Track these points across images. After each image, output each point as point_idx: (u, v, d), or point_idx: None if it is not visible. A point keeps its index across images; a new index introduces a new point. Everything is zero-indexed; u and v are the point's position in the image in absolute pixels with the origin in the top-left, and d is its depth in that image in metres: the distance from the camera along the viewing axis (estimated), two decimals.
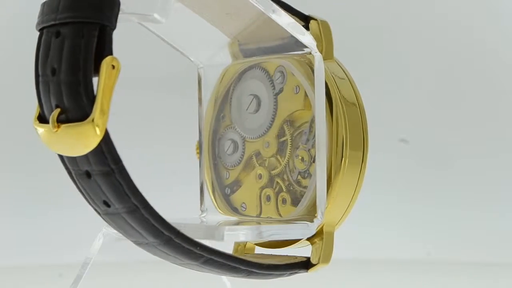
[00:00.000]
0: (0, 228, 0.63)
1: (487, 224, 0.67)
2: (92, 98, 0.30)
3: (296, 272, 0.39)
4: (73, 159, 0.32)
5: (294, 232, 0.38)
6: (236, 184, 0.43)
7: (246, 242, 0.43)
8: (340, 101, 0.39)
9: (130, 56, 0.65)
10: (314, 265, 0.39)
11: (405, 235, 0.67)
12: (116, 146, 0.31)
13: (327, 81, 0.39)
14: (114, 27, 0.32)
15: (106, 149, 0.31)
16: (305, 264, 0.39)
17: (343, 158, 0.38)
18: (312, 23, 0.40)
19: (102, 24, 0.31)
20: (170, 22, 0.39)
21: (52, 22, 0.32)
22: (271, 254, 0.41)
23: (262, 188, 0.42)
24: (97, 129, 0.30)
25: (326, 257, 0.39)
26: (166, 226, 0.33)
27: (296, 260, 0.39)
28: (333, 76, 0.39)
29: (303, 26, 0.40)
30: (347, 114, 0.39)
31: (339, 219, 0.40)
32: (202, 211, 0.44)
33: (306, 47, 0.39)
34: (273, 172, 0.41)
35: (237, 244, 0.43)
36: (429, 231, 0.67)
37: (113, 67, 0.31)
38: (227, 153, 0.43)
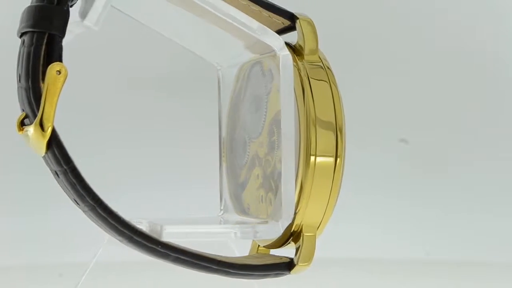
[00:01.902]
0: (0, 228, 0.63)
1: (487, 224, 0.67)
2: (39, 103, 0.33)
3: (279, 273, 0.39)
4: (45, 159, 0.34)
5: (264, 233, 0.39)
6: (244, 184, 0.43)
7: (258, 245, 0.43)
8: (313, 99, 0.38)
9: (137, 57, 0.65)
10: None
11: (404, 235, 0.67)
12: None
13: (302, 82, 0.38)
14: (62, 36, 0.34)
15: (57, 150, 0.33)
16: (289, 265, 0.39)
17: (311, 157, 0.38)
18: (297, 22, 0.40)
19: (50, 33, 0.34)
20: (185, 27, 0.39)
21: (20, 32, 0.35)
22: (264, 255, 0.42)
23: (258, 188, 0.42)
24: (42, 131, 0.33)
25: (305, 258, 0.39)
26: (123, 224, 0.35)
27: (280, 261, 0.39)
28: (309, 76, 0.39)
29: (289, 25, 0.40)
30: (318, 113, 0.38)
31: (320, 220, 0.39)
32: (221, 210, 0.45)
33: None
34: (267, 172, 0.41)
35: (253, 246, 0.44)
36: (429, 231, 0.67)
37: (59, 72, 0.33)
38: (239, 153, 0.43)
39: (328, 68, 0.40)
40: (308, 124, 0.38)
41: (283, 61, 0.38)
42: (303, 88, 0.39)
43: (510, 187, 0.68)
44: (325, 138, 0.38)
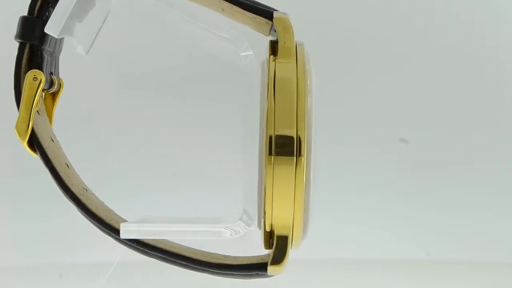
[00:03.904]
0: (0, 228, 0.63)
1: (487, 224, 0.67)
2: None
3: (259, 273, 0.39)
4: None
5: (236, 232, 0.39)
6: None
7: None
8: (275, 99, 0.38)
9: (144, 57, 0.66)
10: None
11: (405, 235, 0.67)
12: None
13: (268, 82, 0.38)
14: (41, 45, 0.38)
15: (38, 151, 0.37)
16: (266, 266, 0.39)
17: (270, 157, 0.38)
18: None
19: (31, 43, 0.38)
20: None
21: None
22: (259, 256, 0.41)
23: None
24: (19, 134, 0.37)
25: (276, 259, 0.38)
26: (100, 222, 0.37)
27: (261, 261, 0.39)
28: (275, 74, 0.38)
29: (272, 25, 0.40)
30: (278, 115, 0.38)
31: (291, 221, 0.38)
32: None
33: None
34: None
35: None
36: (429, 231, 0.67)
37: (35, 79, 0.37)
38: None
39: (303, 64, 0.39)
40: (269, 124, 0.38)
41: (244, 62, 0.38)
42: (268, 88, 0.38)
43: (510, 187, 0.68)
44: (285, 138, 0.38)
